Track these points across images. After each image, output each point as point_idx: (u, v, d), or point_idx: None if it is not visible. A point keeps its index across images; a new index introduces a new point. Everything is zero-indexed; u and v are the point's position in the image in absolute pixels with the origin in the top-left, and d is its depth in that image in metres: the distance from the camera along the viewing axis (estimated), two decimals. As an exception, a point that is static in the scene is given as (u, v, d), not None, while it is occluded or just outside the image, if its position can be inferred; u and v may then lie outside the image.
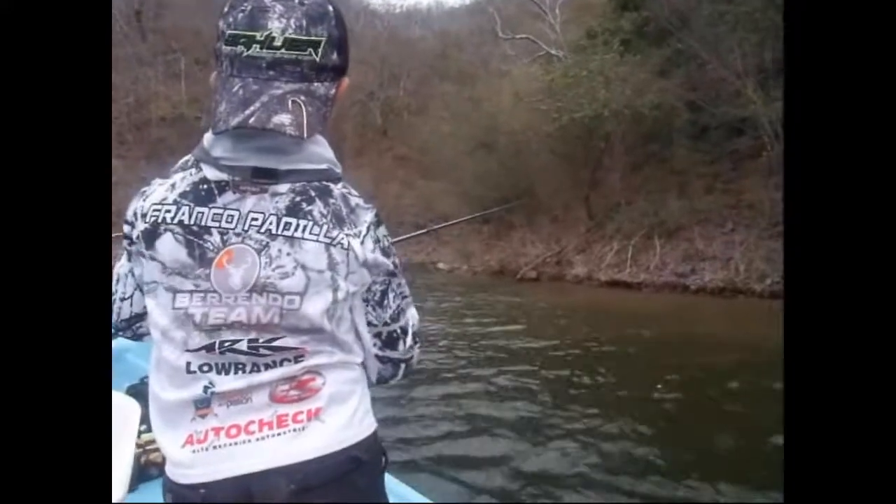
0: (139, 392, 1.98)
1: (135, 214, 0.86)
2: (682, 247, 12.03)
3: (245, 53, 0.78)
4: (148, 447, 1.77)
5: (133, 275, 0.91)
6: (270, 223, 0.81)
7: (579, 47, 14.04)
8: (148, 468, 1.82)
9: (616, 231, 13.44)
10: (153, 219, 0.83)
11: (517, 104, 15.35)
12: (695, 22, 11.79)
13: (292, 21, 0.78)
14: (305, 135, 0.77)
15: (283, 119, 0.76)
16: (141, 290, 0.90)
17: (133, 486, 1.51)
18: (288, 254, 0.81)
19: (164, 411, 0.86)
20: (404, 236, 1.84)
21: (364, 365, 0.94)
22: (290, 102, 0.78)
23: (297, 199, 0.83)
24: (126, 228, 0.88)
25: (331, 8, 0.82)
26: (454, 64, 26.34)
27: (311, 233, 0.82)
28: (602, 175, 14.84)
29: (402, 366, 0.98)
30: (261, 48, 0.78)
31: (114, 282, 0.95)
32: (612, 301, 10.43)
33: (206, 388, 0.83)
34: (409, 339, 0.97)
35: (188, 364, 0.83)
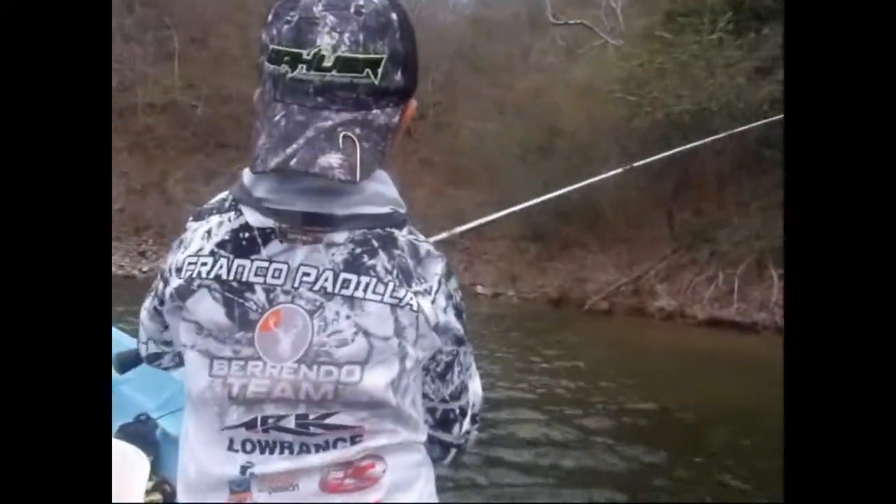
0: (135, 433, 1.85)
1: (170, 270, 0.77)
2: (811, 280, 9.40)
3: (290, 75, 0.67)
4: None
5: (149, 327, 0.89)
6: (326, 280, 0.71)
7: (678, 27, 11.43)
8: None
9: (712, 256, 10.93)
10: (188, 273, 0.74)
11: (587, 96, 12.72)
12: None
13: (346, 35, 0.67)
14: (358, 178, 0.66)
15: (332, 160, 0.65)
16: (154, 341, 0.91)
17: None
18: (347, 317, 0.71)
19: (193, 490, 0.75)
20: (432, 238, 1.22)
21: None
22: (340, 138, 0.67)
23: (358, 250, 0.72)
24: (160, 287, 0.79)
25: (395, 16, 0.69)
26: (486, 55, 23.81)
27: (374, 292, 0.71)
28: (689, 186, 12.19)
29: (453, 451, 0.87)
30: (308, 69, 0.67)
31: (140, 317, 0.93)
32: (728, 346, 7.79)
33: (243, 468, 0.72)
34: (466, 423, 0.85)
35: (227, 440, 0.72)
